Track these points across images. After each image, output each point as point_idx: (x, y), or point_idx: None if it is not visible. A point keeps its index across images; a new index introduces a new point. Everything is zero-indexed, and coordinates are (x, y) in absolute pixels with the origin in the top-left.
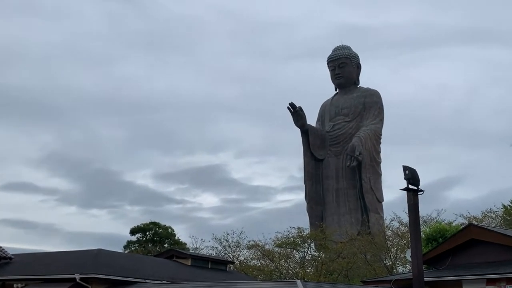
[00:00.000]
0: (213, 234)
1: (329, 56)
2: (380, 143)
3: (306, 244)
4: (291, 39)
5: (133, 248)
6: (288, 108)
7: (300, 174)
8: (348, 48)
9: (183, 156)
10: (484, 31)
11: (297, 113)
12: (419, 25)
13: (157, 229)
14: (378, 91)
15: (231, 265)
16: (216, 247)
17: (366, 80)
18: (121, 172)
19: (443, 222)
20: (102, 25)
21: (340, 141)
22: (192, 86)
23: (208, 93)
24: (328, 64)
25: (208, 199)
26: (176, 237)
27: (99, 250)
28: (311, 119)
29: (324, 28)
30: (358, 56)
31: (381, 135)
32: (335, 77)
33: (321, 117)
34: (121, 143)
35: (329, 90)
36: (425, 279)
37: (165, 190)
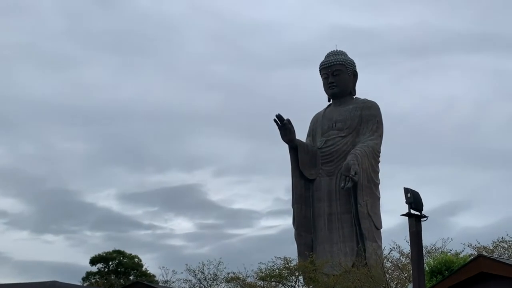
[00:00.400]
0: (186, 264)
1: (322, 62)
2: (378, 161)
3: (293, 277)
4: (279, 42)
5: (93, 280)
6: (274, 120)
7: (287, 196)
8: (344, 53)
9: (154, 174)
10: (497, 37)
11: (285, 127)
12: (424, 29)
13: (121, 258)
14: (377, 103)
15: None
16: (190, 280)
17: (363, 90)
18: (80, 192)
19: (449, 253)
20: (62, 23)
21: (334, 159)
22: (165, 93)
23: (184, 102)
24: (320, 72)
25: (182, 224)
26: (143, 268)
27: (54, 283)
28: (301, 134)
29: (317, 31)
30: (354, 63)
31: (379, 152)
32: (328, 86)
33: (312, 132)
34: (81, 159)
35: (321, 101)
36: None
37: (131, 213)
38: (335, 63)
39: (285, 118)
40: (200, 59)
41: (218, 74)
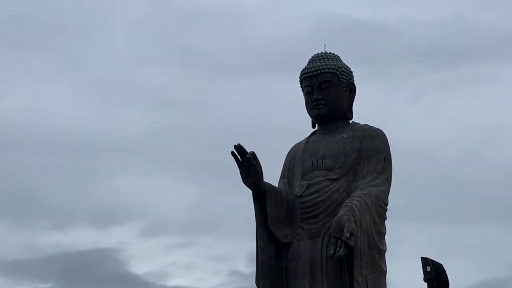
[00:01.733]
0: None
1: (304, 70)
2: (385, 218)
3: None
4: (244, 39)
5: None
6: (233, 154)
7: (250, 267)
8: (336, 58)
9: (49, 232)
10: None
11: (247, 163)
12: (456, 26)
13: None
14: (384, 131)
15: None
16: None
17: (364, 112)
18: None
19: None
20: None
21: (319, 213)
22: (70, 110)
23: (98, 124)
24: (301, 83)
25: None
26: None
27: None
28: (273, 175)
29: (298, 24)
30: (351, 72)
31: (387, 205)
32: (312, 106)
33: (287, 172)
34: None
35: (302, 126)
36: None
37: None
38: (322, 71)
39: (248, 151)
40: (124, 61)
41: (151, 84)
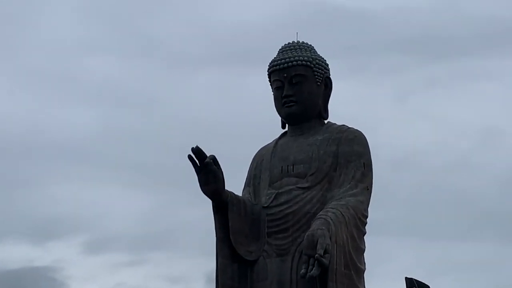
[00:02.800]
0: None
1: (272, 61)
2: (364, 232)
3: None
4: (204, 25)
5: None
6: (190, 158)
7: None
8: (309, 48)
9: None
10: None
11: (207, 169)
12: (451, 15)
13: None
14: (364, 133)
15: None
16: None
17: (342, 111)
18: None
19: None
20: None
21: (289, 227)
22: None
23: (31, 121)
24: (269, 77)
25: None
26: None
27: None
28: (236, 182)
29: (267, 9)
30: (327, 65)
31: (366, 217)
32: (282, 103)
33: (253, 179)
34: None
35: (271, 126)
36: None
37: None
38: (294, 63)
39: (207, 154)
40: (67, 50)
41: (97, 76)
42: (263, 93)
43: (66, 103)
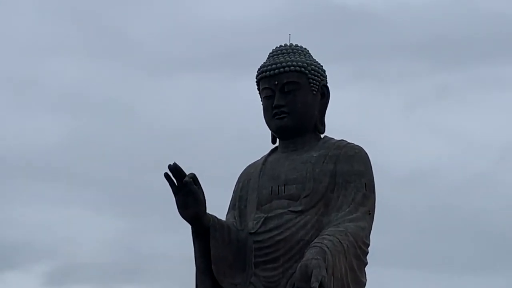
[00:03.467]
0: None
1: (262, 67)
2: (365, 263)
3: None
4: (185, 24)
5: None
6: (166, 176)
7: None
8: (303, 52)
9: None
10: None
11: (186, 190)
12: (466, 15)
13: None
14: (365, 149)
15: None
16: None
17: (339, 124)
18: None
19: None
20: None
21: (279, 256)
22: None
23: None
24: (258, 85)
25: None
26: None
27: None
28: (219, 205)
29: (257, 7)
30: (324, 72)
31: (368, 246)
32: (272, 114)
33: (238, 202)
34: None
35: (261, 140)
36: None
37: None
38: (286, 69)
39: (187, 173)
40: (27, 51)
41: (62, 81)
42: (253, 101)
43: (24, 111)
